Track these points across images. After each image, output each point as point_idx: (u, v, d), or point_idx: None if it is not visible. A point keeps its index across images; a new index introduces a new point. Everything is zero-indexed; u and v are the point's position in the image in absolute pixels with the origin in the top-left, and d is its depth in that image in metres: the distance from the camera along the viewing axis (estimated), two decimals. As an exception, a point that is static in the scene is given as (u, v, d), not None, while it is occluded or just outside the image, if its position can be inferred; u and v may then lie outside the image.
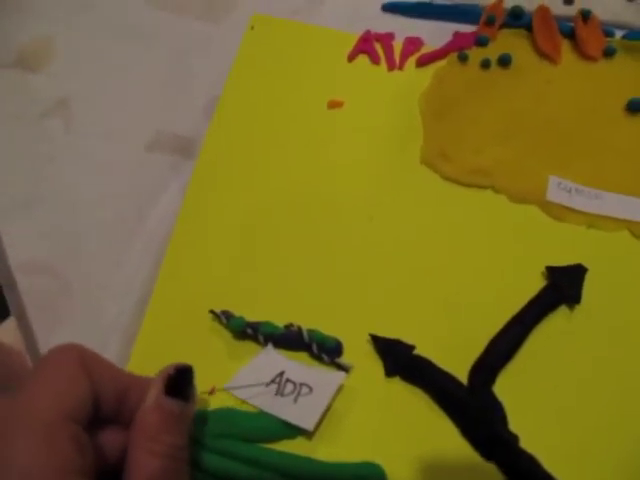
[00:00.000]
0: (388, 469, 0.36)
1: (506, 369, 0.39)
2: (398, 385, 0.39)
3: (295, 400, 0.37)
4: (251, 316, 0.41)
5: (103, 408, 0.32)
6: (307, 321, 0.40)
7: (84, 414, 0.30)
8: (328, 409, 0.38)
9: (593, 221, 0.44)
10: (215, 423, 0.37)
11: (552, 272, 0.42)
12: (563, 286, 0.41)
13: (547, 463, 0.36)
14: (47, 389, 0.30)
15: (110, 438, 0.32)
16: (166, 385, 0.33)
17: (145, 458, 0.31)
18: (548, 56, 0.49)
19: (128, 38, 0.53)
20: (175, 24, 0.54)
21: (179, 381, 0.33)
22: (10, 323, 0.41)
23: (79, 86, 0.51)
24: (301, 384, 0.38)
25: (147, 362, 0.37)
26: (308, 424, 0.36)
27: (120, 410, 0.33)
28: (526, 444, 0.37)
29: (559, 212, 0.44)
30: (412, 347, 0.40)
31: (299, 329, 0.40)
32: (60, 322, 0.42)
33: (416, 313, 0.41)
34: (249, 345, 0.40)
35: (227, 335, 0.41)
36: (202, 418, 0.38)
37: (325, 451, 0.37)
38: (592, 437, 0.38)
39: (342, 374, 0.38)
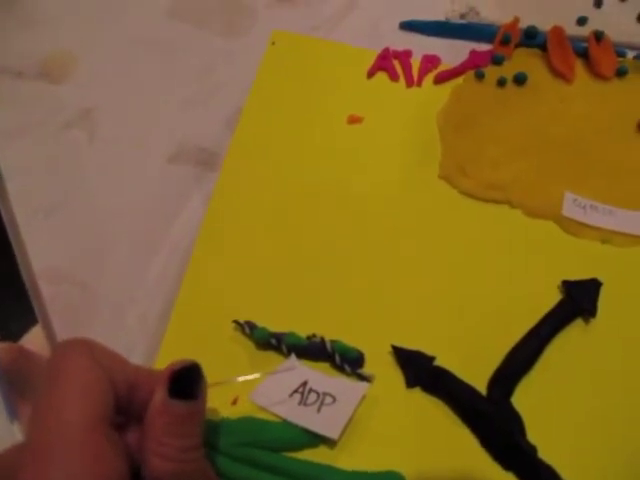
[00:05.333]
0: (409, 478, 0.37)
1: (524, 381, 0.40)
2: (419, 396, 0.40)
3: (319, 410, 0.38)
4: (273, 326, 0.41)
5: (117, 402, 0.31)
6: (329, 332, 0.41)
7: (110, 410, 0.30)
8: (350, 419, 0.39)
9: (607, 237, 0.45)
10: (238, 432, 0.38)
11: (568, 286, 0.43)
12: (579, 300, 0.42)
13: (564, 474, 0.37)
14: (71, 392, 0.29)
15: (130, 437, 0.32)
16: (171, 385, 0.31)
17: (156, 462, 0.30)
18: (562, 75, 0.50)
19: (151, 51, 0.54)
20: (196, 38, 0.55)
21: (186, 379, 0.32)
22: (37, 331, 0.41)
23: (102, 97, 0.52)
24: (324, 394, 0.39)
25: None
26: (333, 433, 0.37)
27: (130, 404, 0.32)
28: (543, 455, 0.38)
29: (574, 227, 0.45)
30: (432, 358, 0.41)
31: (322, 340, 0.40)
32: (84, 330, 0.43)
33: (435, 324, 0.42)
34: (272, 355, 0.41)
35: (250, 345, 0.42)
36: (226, 427, 0.38)
37: (347, 460, 0.38)
38: (608, 449, 0.38)
39: (365, 384, 0.39)
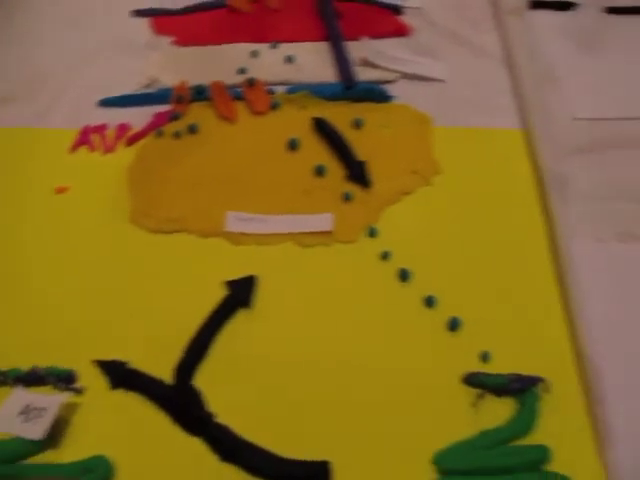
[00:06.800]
0: (122, 459, 0.48)
1: (205, 364, 0.52)
2: (124, 394, 0.51)
3: (35, 422, 0.49)
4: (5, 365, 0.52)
5: None
6: (49, 361, 0.52)
7: None
8: (60, 423, 0.49)
9: (263, 240, 0.57)
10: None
11: (229, 284, 0.55)
12: (236, 294, 0.54)
13: (239, 430, 0.48)
14: None
15: None
16: None
17: None
18: (226, 118, 0.63)
19: None
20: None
21: None
22: None
23: None
24: (40, 409, 0.50)
25: None
26: (38, 435, 0.48)
27: None
28: (224, 419, 0.49)
29: (236, 238, 0.57)
30: (124, 363, 0.52)
31: (37, 368, 0.52)
32: None
33: (132, 338, 0.53)
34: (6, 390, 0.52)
35: (-12, 385, 0.52)
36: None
37: (70, 456, 0.48)
38: (276, 408, 0.50)
39: (65, 395, 0.50)
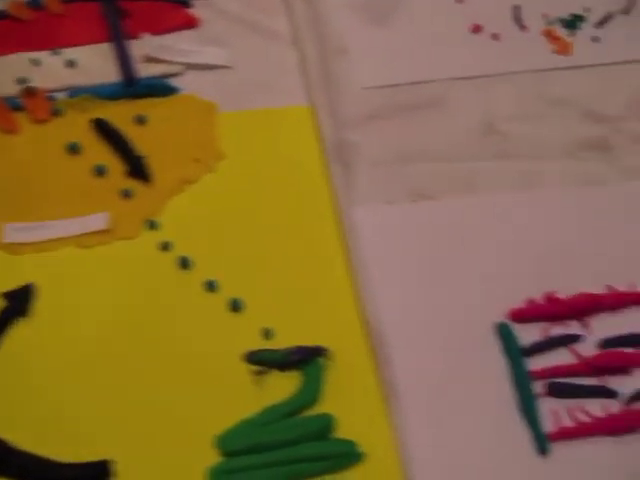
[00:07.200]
0: None
1: None
2: None
3: None
4: None
5: None
6: None
7: None
8: None
9: (43, 247, 0.56)
10: None
11: (4, 296, 0.54)
12: (12, 305, 0.53)
13: (29, 441, 0.48)
14: None
15: None
16: None
17: None
18: (6, 130, 0.62)
19: None
20: None
21: None
22: None
23: None
24: None
25: None
26: None
27: None
28: (7, 432, 0.48)
29: (15, 248, 0.56)
30: None
31: None
32: None
33: None
34: None
35: None
36: None
37: None
38: (61, 414, 0.50)
39: None
